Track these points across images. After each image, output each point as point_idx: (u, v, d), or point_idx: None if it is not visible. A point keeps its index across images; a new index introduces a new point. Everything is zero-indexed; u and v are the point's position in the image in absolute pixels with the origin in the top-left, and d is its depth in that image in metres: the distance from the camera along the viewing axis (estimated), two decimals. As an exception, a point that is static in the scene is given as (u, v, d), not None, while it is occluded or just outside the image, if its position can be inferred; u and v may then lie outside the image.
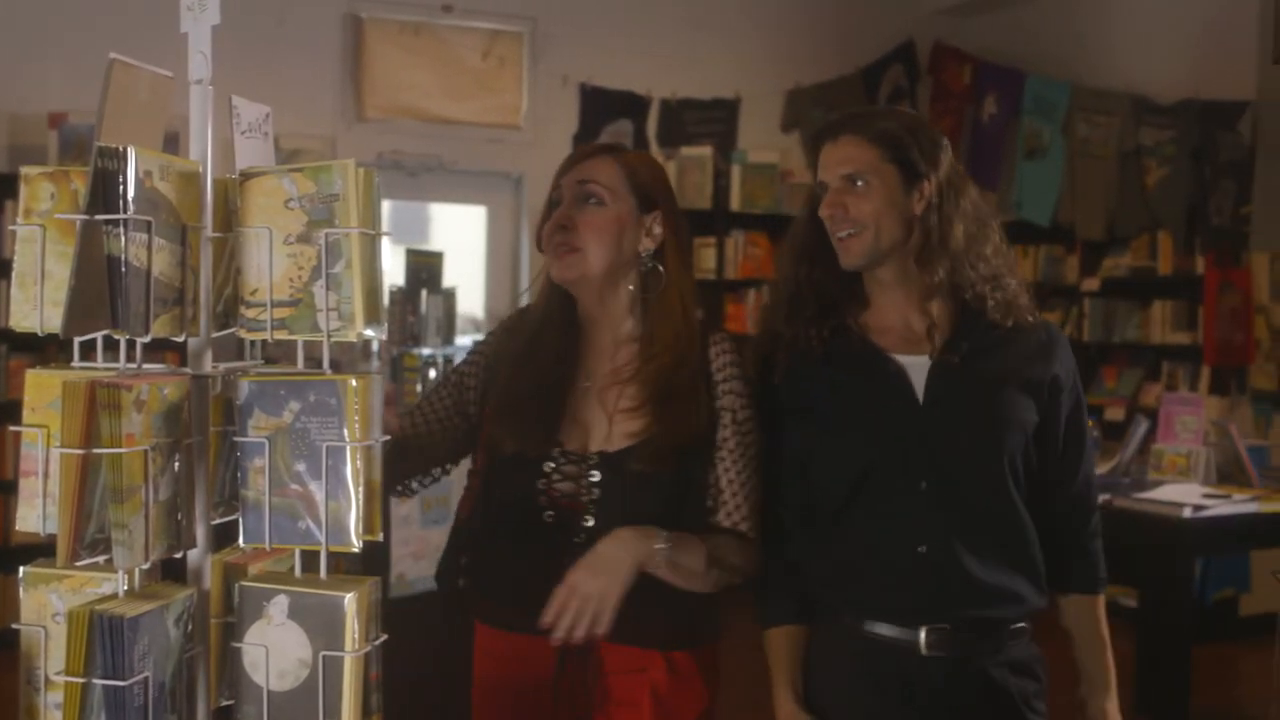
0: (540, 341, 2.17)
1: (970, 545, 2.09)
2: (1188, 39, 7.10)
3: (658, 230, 2.15)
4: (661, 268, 2.15)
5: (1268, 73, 6.57)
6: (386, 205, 7.35)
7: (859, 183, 2.11)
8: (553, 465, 2.10)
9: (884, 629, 2.11)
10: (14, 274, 1.55)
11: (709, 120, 7.84)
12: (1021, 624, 2.14)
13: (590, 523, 2.07)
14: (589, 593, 1.92)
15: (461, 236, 7.64)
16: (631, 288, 2.16)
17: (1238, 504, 4.76)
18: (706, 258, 7.50)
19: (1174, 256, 7.28)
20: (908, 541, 2.10)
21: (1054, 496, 2.21)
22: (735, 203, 7.63)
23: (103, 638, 1.38)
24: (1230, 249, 7.00)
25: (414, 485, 2.28)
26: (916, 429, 2.11)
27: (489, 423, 2.16)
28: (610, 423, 2.12)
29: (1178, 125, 7.27)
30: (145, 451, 1.40)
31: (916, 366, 2.14)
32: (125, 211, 1.40)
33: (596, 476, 2.08)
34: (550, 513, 2.09)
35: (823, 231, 2.18)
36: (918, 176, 2.13)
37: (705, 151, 7.60)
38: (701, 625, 2.16)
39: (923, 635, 2.08)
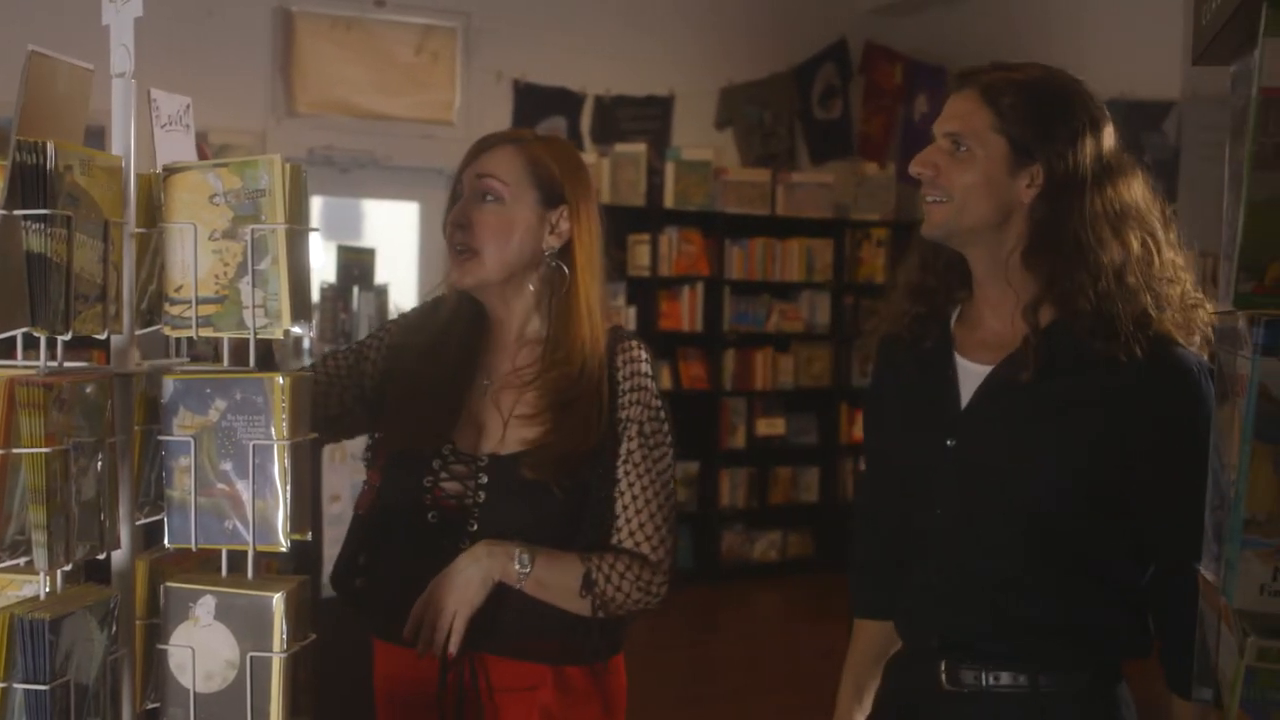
0: (445, 338, 2.10)
1: (981, 591, 1.87)
2: (1114, 40, 7.19)
3: (564, 226, 2.04)
4: (565, 267, 2.04)
5: (1191, 74, 6.68)
6: (318, 201, 7.28)
7: (961, 147, 1.84)
8: (440, 463, 2.02)
9: (915, 651, 1.97)
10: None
11: (643, 117, 7.84)
12: (1066, 698, 1.85)
13: (474, 527, 1.99)
14: (440, 609, 1.93)
15: (394, 233, 7.58)
16: (533, 287, 2.06)
17: (1163, 497, 4.83)
18: (640, 255, 7.50)
19: (1101, 254, 7.39)
20: (926, 568, 1.93)
21: (1148, 576, 1.85)
22: (669, 200, 7.63)
23: (23, 641, 1.35)
24: (1156, 247, 7.11)
25: None
26: (945, 449, 1.89)
27: (386, 417, 2.10)
28: (505, 426, 2.04)
29: (1104, 124, 7.38)
30: (67, 451, 1.38)
31: (977, 377, 1.90)
32: (45, 207, 1.37)
33: (485, 479, 2.01)
34: (434, 514, 2.01)
35: None
36: (1030, 157, 1.83)
37: (639, 149, 7.59)
38: (599, 638, 2.05)
39: (942, 667, 1.89)
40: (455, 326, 2.10)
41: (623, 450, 2.03)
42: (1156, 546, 1.83)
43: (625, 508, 2.02)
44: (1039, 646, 1.86)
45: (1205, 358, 1.81)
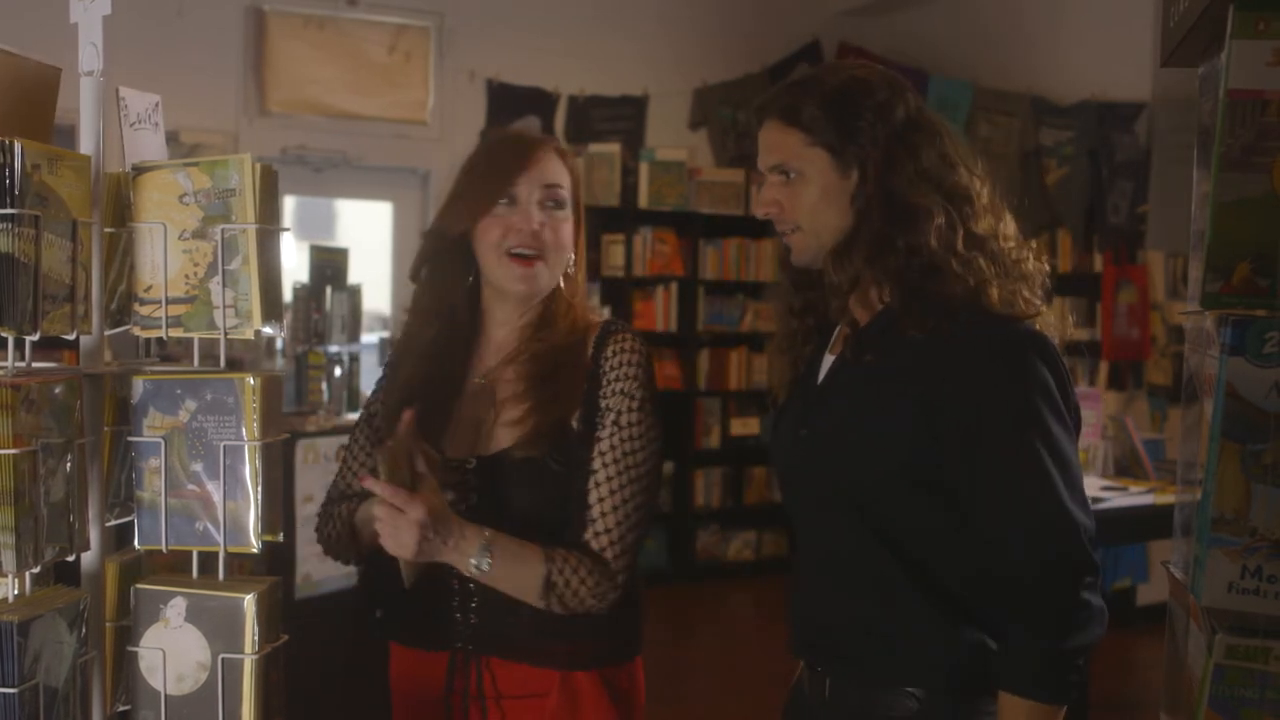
0: (447, 350, 2.06)
1: (834, 590, 1.85)
2: (1086, 42, 7.24)
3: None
4: (572, 256, 2.06)
5: (1162, 76, 6.73)
6: (290, 201, 7.25)
7: (790, 175, 1.85)
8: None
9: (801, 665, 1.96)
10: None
11: (617, 117, 7.84)
12: (914, 703, 1.78)
13: None
14: (385, 538, 1.83)
15: (367, 233, 7.56)
16: None
17: (1134, 496, 4.87)
18: (615, 254, 7.51)
19: (1073, 254, 7.43)
20: (796, 572, 1.93)
21: (982, 567, 1.76)
22: (643, 200, 7.64)
23: (-9, 644, 1.34)
24: (1127, 247, 7.16)
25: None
26: (799, 439, 1.89)
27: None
28: (496, 417, 2.00)
29: (1076, 126, 7.42)
30: (35, 452, 1.37)
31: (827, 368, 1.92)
32: (12, 206, 1.36)
33: (474, 481, 1.97)
34: None
35: None
36: (847, 154, 1.83)
37: (613, 149, 7.60)
38: (612, 641, 2.01)
39: (805, 675, 1.90)
40: (456, 335, 2.08)
41: (595, 437, 1.96)
42: (982, 533, 1.75)
43: (594, 505, 1.94)
44: (874, 654, 1.81)
45: (1037, 328, 1.82)
